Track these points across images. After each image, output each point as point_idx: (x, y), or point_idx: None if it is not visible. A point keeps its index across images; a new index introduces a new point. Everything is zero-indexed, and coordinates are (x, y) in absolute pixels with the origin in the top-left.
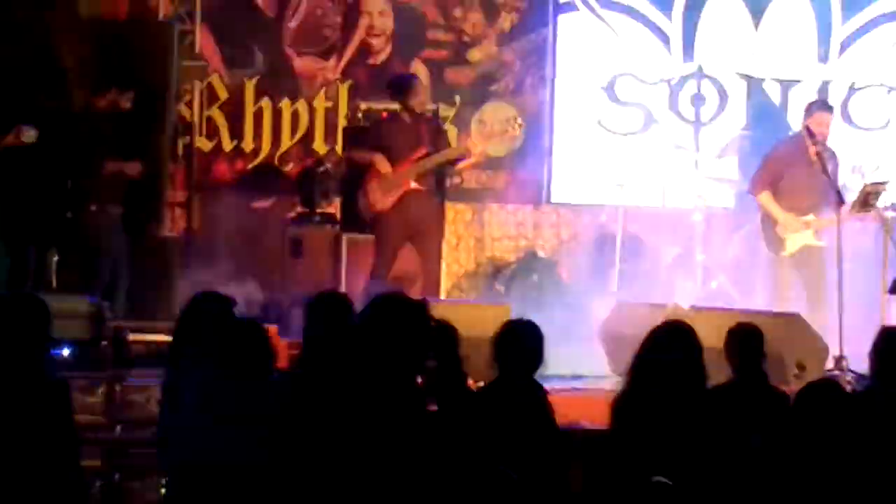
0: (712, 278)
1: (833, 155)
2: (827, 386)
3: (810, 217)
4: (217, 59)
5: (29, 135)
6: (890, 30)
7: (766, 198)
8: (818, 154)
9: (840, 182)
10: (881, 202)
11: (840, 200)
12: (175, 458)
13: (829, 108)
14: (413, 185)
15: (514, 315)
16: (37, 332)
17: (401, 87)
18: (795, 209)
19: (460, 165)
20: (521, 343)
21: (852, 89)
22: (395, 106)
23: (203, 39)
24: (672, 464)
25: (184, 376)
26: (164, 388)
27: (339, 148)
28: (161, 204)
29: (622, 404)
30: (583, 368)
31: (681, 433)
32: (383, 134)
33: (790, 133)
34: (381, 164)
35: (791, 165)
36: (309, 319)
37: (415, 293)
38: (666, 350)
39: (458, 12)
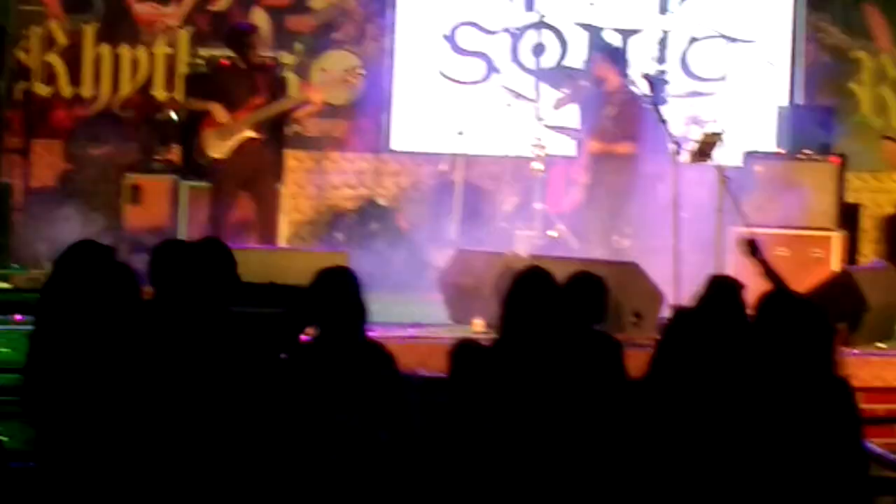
0: (551, 227)
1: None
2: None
3: None
4: (55, 4)
5: None
6: None
7: None
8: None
9: (679, 132)
10: (718, 152)
11: (677, 150)
12: (45, 408)
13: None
14: (250, 133)
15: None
16: None
17: (237, 36)
18: None
19: (300, 113)
20: (337, 292)
21: (692, 40)
22: (234, 54)
23: None
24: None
25: (57, 325)
26: (32, 338)
27: (178, 95)
28: None
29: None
30: (422, 316)
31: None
32: (221, 82)
33: None
34: (218, 112)
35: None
36: (153, 266)
37: (252, 241)
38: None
39: None
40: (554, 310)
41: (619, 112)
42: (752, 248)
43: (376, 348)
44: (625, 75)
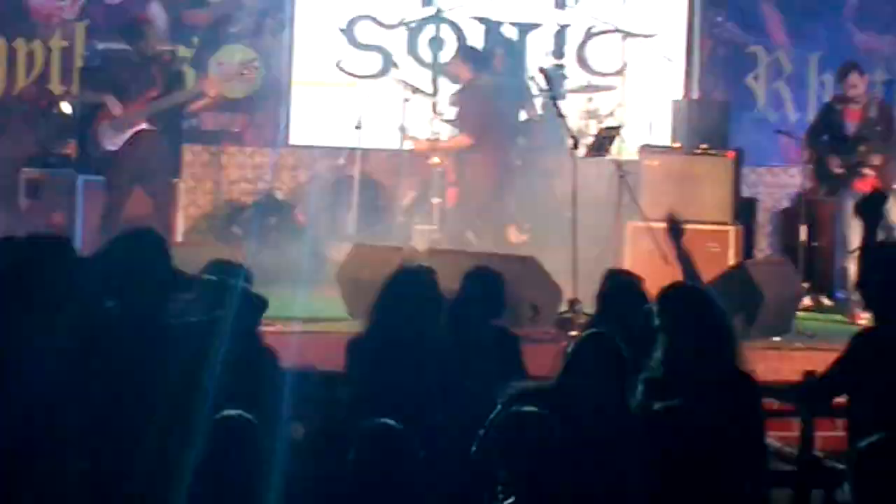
0: (448, 221)
1: None
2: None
3: None
4: None
5: None
6: None
7: None
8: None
9: (575, 126)
10: (616, 146)
11: (575, 144)
12: None
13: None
14: (144, 126)
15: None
16: None
17: (131, 29)
18: None
19: (196, 107)
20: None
21: (589, 34)
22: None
23: None
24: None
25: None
26: None
27: (75, 88)
28: None
29: (360, 346)
30: (320, 311)
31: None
32: (116, 75)
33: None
34: (113, 104)
35: None
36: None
37: None
38: (406, 293)
39: None
40: (426, 309)
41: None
42: (675, 231)
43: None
44: (478, 72)
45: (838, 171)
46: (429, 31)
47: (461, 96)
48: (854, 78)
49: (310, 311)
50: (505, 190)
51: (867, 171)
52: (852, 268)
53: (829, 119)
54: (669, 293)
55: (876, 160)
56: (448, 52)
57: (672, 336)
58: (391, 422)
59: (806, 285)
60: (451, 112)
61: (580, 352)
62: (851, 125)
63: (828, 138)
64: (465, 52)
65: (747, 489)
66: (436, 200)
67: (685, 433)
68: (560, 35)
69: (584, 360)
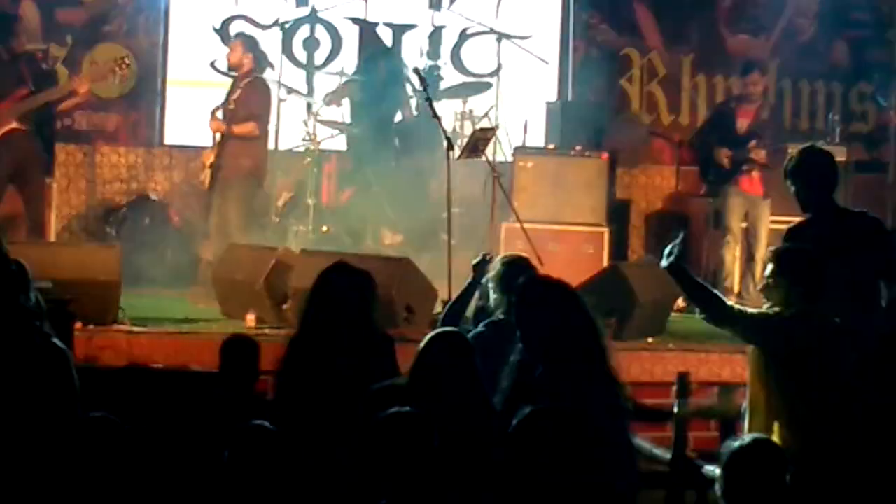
0: (323, 222)
1: None
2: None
3: None
4: None
5: None
6: None
7: None
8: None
9: (450, 127)
10: (491, 148)
11: (450, 146)
12: None
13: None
14: (14, 125)
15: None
16: None
17: (1, 26)
18: None
19: (68, 105)
20: None
21: (464, 35)
22: None
23: None
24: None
25: None
26: None
27: None
28: None
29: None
30: (193, 312)
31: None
32: None
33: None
34: None
35: None
36: None
37: (20, 235)
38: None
39: None
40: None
41: (242, 94)
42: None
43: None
44: (258, 61)
45: (726, 161)
46: (303, 31)
47: (250, 85)
48: (755, 76)
49: (184, 312)
50: None
51: (752, 169)
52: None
53: (720, 118)
54: (526, 286)
55: (762, 159)
56: (322, 54)
57: (528, 330)
58: (266, 424)
59: None
60: (328, 112)
61: (427, 350)
62: (743, 123)
63: (717, 138)
64: (247, 40)
65: (619, 489)
66: (311, 201)
67: (552, 433)
68: (435, 36)
69: (431, 357)
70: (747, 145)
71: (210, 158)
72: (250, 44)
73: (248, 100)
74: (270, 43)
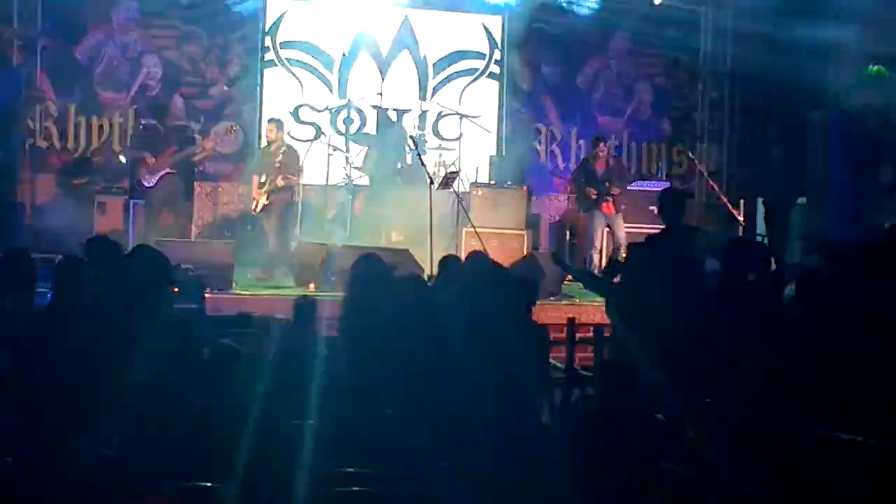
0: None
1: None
2: None
3: None
4: None
5: None
6: (462, 81)
7: None
8: (418, 155)
9: (431, 171)
10: (456, 183)
11: (431, 182)
12: None
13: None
14: (168, 170)
15: (235, 248)
16: None
17: (160, 111)
18: None
19: (198, 158)
20: None
21: (440, 116)
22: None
23: None
24: None
25: None
26: None
27: (127, 148)
28: None
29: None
30: (277, 283)
31: None
32: (151, 139)
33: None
34: (149, 158)
35: None
36: None
37: (174, 237)
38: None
39: (202, 65)
40: None
41: (282, 159)
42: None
43: None
44: (279, 132)
45: (593, 196)
46: (343, 113)
47: (281, 151)
48: (602, 146)
49: (273, 283)
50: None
51: (608, 198)
52: (595, 258)
53: (585, 167)
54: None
55: (615, 191)
56: (354, 127)
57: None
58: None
59: None
60: (358, 161)
61: None
62: (600, 170)
63: (584, 178)
64: (277, 123)
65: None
66: (347, 215)
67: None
68: (422, 116)
69: None
70: (605, 183)
71: (261, 197)
72: (280, 125)
73: (286, 162)
74: (323, 119)
